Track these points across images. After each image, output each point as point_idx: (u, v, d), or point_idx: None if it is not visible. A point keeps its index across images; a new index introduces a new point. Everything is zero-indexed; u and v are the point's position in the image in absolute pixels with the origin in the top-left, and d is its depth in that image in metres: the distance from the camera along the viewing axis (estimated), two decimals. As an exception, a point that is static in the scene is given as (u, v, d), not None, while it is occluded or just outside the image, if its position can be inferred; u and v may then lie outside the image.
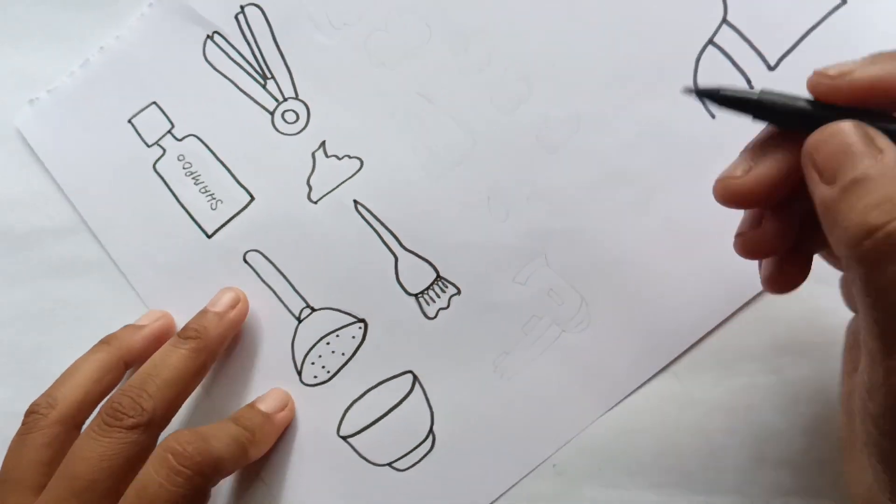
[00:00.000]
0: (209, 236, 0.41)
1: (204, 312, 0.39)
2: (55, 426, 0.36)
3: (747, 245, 0.29)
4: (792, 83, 0.37)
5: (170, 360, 0.37)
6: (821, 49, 0.37)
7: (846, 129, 0.24)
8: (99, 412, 0.35)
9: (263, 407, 0.38)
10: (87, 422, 0.36)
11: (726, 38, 0.38)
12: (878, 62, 0.25)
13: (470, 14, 0.40)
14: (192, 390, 0.38)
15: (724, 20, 0.38)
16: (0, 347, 0.42)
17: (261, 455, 0.38)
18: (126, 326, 0.40)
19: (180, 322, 0.41)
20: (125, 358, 0.39)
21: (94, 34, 0.44)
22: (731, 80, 0.38)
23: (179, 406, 0.37)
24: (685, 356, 0.37)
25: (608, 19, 0.39)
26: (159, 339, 0.40)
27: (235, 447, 0.35)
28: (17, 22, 0.45)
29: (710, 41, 0.38)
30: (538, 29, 0.39)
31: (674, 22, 0.38)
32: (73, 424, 0.36)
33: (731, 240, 0.37)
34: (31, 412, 0.36)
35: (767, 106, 0.26)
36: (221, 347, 0.39)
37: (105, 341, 0.39)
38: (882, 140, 0.23)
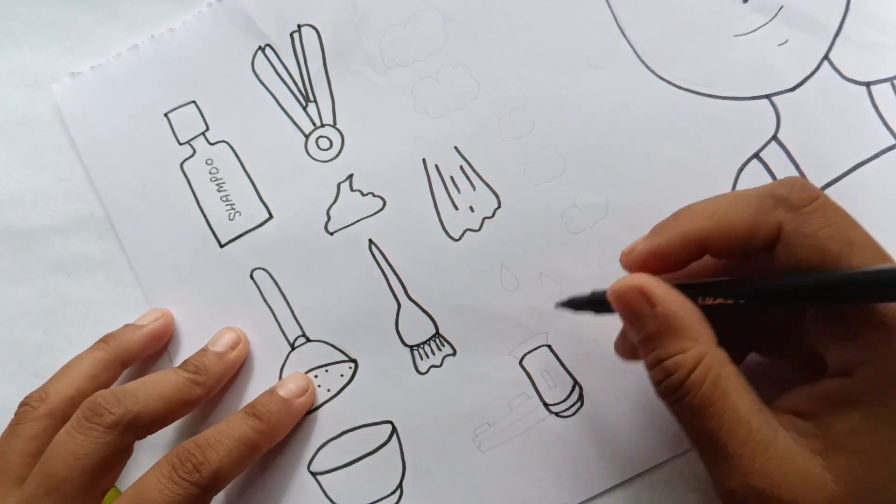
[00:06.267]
0: (221, 245, 0.41)
1: (204, 351, 0.39)
2: (44, 419, 0.36)
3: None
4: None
5: (167, 379, 0.37)
6: (868, 185, 0.37)
7: (627, 293, 0.29)
8: (80, 406, 0.35)
9: (283, 392, 0.38)
10: None
11: (773, 155, 0.38)
12: (651, 235, 0.31)
13: (522, 83, 0.40)
14: (180, 417, 0.37)
15: (775, 137, 0.38)
16: (3, 344, 0.43)
17: (276, 442, 0.38)
18: (125, 326, 0.40)
19: (178, 324, 0.41)
20: (122, 357, 0.39)
21: (96, 33, 0.44)
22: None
23: (163, 424, 0.36)
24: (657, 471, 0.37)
25: (659, 116, 0.38)
26: (158, 338, 0.40)
27: (239, 452, 0.35)
28: (19, 20, 0.44)
29: (756, 155, 0.38)
30: (587, 112, 0.39)
31: (724, 129, 0.38)
32: (62, 419, 0.36)
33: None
34: (23, 404, 0.37)
35: (597, 300, 0.32)
36: (219, 386, 0.39)
37: (104, 340, 0.39)
38: (655, 288, 0.28)
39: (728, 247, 0.29)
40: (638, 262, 0.31)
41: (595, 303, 0.32)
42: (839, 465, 0.26)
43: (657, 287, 0.29)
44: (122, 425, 0.34)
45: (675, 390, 0.28)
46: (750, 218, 0.28)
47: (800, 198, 0.28)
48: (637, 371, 0.37)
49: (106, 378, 0.38)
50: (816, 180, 0.37)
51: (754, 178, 0.38)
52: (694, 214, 0.30)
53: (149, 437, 0.36)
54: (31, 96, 0.44)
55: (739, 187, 0.38)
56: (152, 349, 0.41)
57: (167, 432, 0.37)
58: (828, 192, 0.37)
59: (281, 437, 0.39)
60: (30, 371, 0.42)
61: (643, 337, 0.29)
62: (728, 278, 0.30)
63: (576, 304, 0.34)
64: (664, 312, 0.28)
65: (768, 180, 0.37)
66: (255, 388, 0.40)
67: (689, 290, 0.29)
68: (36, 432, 0.36)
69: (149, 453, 0.37)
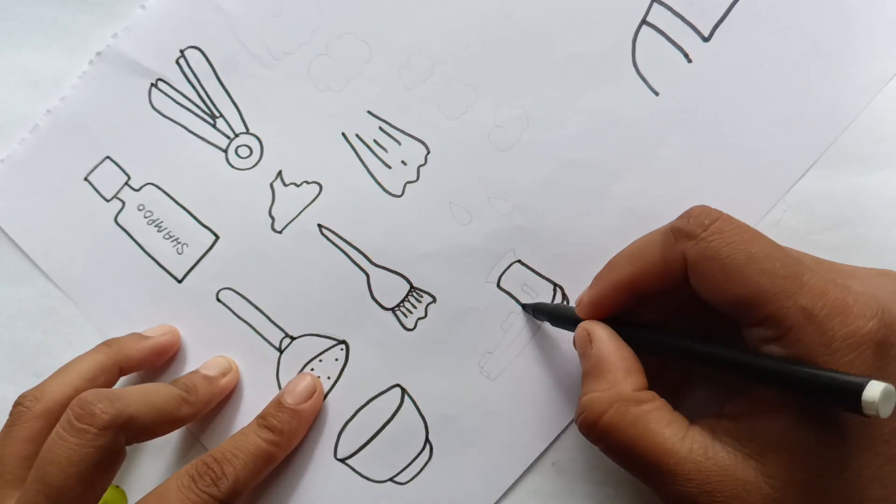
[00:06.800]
0: (179, 281, 0.41)
1: (195, 372, 0.39)
2: (38, 420, 0.36)
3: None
4: (728, 52, 0.38)
5: (160, 391, 0.37)
6: (752, 13, 0.38)
7: (578, 333, 0.33)
8: (70, 406, 0.34)
9: (290, 400, 0.38)
10: None
11: (659, 15, 0.39)
12: (591, 286, 0.34)
13: (406, 29, 0.41)
14: (166, 432, 0.37)
15: (653, -1, 0.39)
16: (3, 344, 0.43)
17: (291, 449, 0.38)
18: (131, 334, 0.40)
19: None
20: (122, 364, 0.39)
21: (96, 33, 0.43)
22: (668, 57, 0.39)
23: (151, 435, 0.36)
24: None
25: (542, 17, 0.39)
26: (161, 353, 0.40)
27: (255, 465, 0.36)
28: (19, 20, 0.44)
29: (644, 21, 0.39)
30: (475, 35, 0.40)
31: (606, 9, 0.39)
32: (57, 419, 0.35)
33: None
34: (17, 403, 0.36)
35: (559, 314, 0.36)
36: (206, 409, 0.39)
37: (107, 343, 0.39)
38: (597, 331, 0.32)
39: (652, 287, 0.31)
40: (585, 313, 0.33)
41: (554, 315, 0.36)
42: (773, 463, 0.27)
43: (599, 330, 0.32)
44: (115, 427, 0.33)
45: (589, 429, 0.30)
46: (659, 255, 0.30)
47: (696, 225, 0.29)
48: (606, 257, 0.38)
49: (103, 382, 0.38)
50: (705, 25, 0.39)
51: (650, 42, 0.39)
52: (618, 262, 0.33)
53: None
54: (30, 96, 0.44)
55: (638, 56, 0.39)
56: (153, 363, 0.40)
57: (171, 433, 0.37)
58: (719, 30, 0.38)
59: (295, 444, 0.39)
60: (29, 371, 0.42)
61: (582, 375, 0.32)
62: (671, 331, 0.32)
63: (537, 311, 0.37)
64: (596, 353, 0.31)
65: (662, 41, 0.39)
66: (256, 401, 0.40)
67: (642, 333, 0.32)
68: (31, 434, 0.35)
69: (149, 453, 0.37)
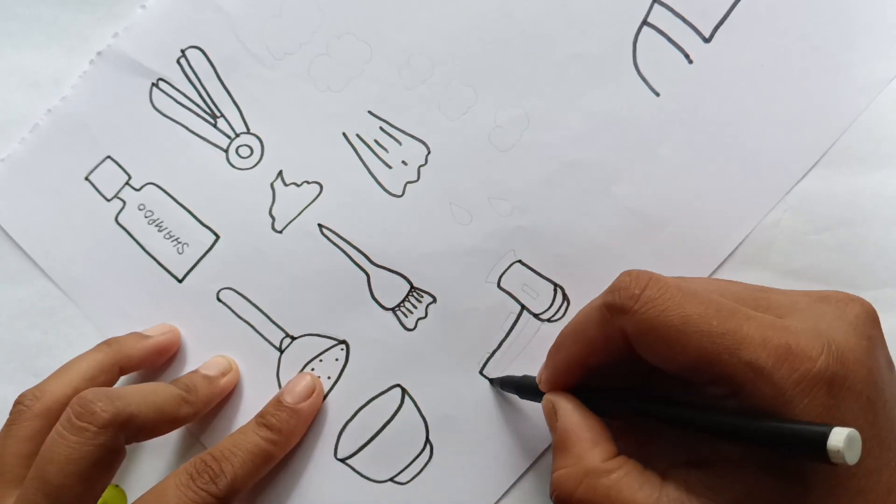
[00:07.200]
0: (180, 280, 0.41)
1: (194, 372, 0.39)
2: (38, 419, 0.35)
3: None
4: (729, 52, 0.38)
5: (159, 390, 0.37)
6: (752, 14, 0.38)
7: (544, 406, 0.33)
8: (70, 404, 0.34)
9: (290, 399, 0.38)
10: None
11: (660, 16, 0.39)
12: (545, 364, 0.33)
13: (406, 29, 0.41)
14: (166, 432, 0.37)
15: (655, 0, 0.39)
16: (3, 344, 0.43)
17: (290, 449, 0.38)
18: (132, 333, 0.40)
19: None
20: (122, 363, 0.39)
21: (96, 33, 0.43)
22: (668, 58, 0.39)
23: (151, 434, 0.36)
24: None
25: (542, 17, 0.40)
26: (161, 353, 0.40)
27: (254, 463, 0.36)
28: (19, 20, 0.44)
29: (645, 22, 0.39)
30: (475, 35, 0.40)
31: (606, 9, 0.39)
32: (56, 418, 0.35)
33: (690, 215, 0.38)
34: (17, 402, 0.36)
35: (524, 386, 0.35)
36: (206, 408, 0.39)
37: (107, 343, 0.39)
38: (560, 404, 0.31)
39: (602, 360, 0.31)
40: (546, 389, 0.33)
41: (521, 388, 0.36)
42: None
43: (562, 402, 0.32)
44: (115, 426, 0.33)
45: None
46: (599, 332, 0.30)
47: (627, 298, 0.28)
48: (613, 259, 0.38)
49: (103, 381, 0.38)
50: (706, 26, 0.39)
51: (650, 43, 0.39)
52: (564, 341, 0.32)
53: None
54: (30, 96, 0.44)
55: (639, 57, 0.39)
56: (153, 362, 0.40)
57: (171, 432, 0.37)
58: (720, 31, 0.38)
59: (294, 443, 0.39)
60: (29, 371, 0.42)
61: (552, 448, 0.32)
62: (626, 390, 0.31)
63: (504, 385, 0.37)
64: (561, 427, 0.31)
65: (663, 42, 0.39)
66: (256, 401, 0.40)
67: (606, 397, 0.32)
68: (31, 433, 0.35)
69: (149, 452, 0.37)
